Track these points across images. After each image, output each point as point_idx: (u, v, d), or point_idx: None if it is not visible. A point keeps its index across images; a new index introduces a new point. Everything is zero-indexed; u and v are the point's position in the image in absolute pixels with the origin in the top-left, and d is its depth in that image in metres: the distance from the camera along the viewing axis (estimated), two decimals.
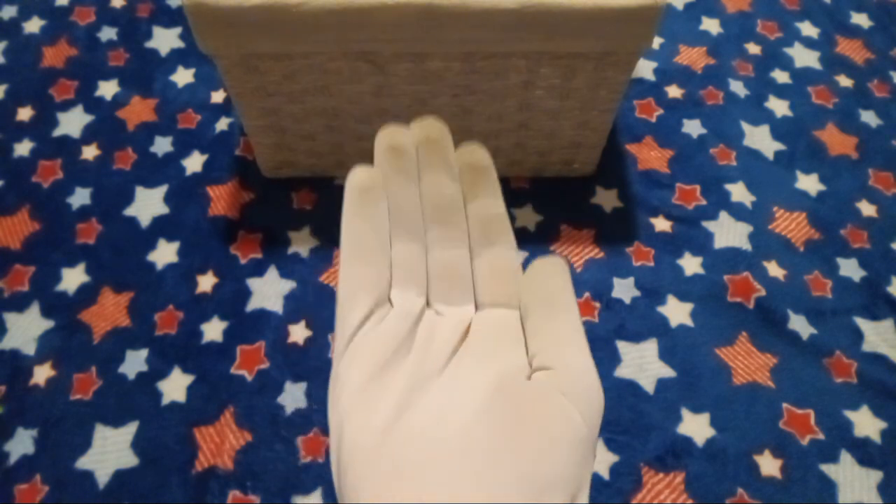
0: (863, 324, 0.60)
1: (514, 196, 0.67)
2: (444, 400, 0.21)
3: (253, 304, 0.60)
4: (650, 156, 0.70)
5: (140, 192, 0.67)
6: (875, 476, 0.53)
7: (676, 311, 0.60)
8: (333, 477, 0.21)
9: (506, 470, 0.20)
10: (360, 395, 0.21)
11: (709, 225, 0.65)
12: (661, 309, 0.60)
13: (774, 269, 0.63)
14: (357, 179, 0.24)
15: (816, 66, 0.78)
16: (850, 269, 0.63)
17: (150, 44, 0.78)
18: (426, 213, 0.24)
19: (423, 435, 0.20)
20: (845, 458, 0.54)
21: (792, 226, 0.66)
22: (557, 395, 0.22)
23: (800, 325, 0.60)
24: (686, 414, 0.55)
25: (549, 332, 0.22)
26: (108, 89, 0.74)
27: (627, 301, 0.61)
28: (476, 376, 0.22)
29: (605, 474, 0.53)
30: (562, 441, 0.20)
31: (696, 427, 0.55)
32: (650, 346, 0.58)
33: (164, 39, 0.78)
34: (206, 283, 0.61)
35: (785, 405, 0.56)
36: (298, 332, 0.58)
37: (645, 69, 0.76)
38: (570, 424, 0.21)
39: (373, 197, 0.24)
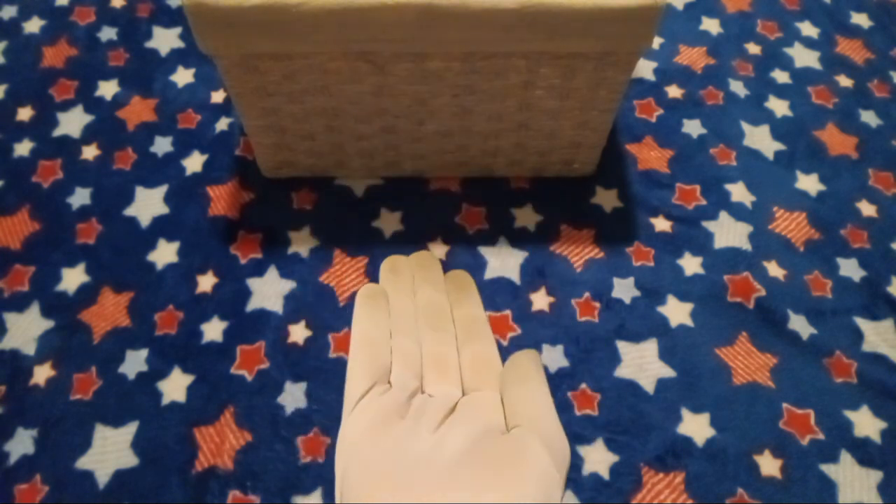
0: (863, 324, 0.60)
1: (514, 196, 0.67)
2: (434, 446, 0.24)
3: (253, 304, 0.60)
4: (650, 156, 0.70)
5: (140, 192, 0.67)
6: (875, 476, 0.53)
7: (676, 311, 0.60)
8: None
9: (485, 498, 0.22)
10: (364, 437, 0.24)
11: (709, 225, 0.65)
12: (661, 309, 0.61)
13: (774, 269, 0.63)
14: (365, 290, 0.32)
15: (816, 66, 0.78)
16: (850, 269, 0.63)
17: (150, 44, 0.78)
18: (420, 317, 0.31)
19: (416, 467, 0.23)
20: (845, 458, 0.54)
21: (792, 226, 0.66)
22: (530, 439, 0.25)
23: (800, 325, 0.60)
24: (686, 414, 0.56)
25: (522, 399, 0.27)
26: (108, 89, 0.74)
27: (627, 301, 0.61)
28: (461, 433, 0.25)
29: (605, 474, 0.53)
30: (532, 475, 0.23)
31: (696, 427, 0.55)
32: (650, 346, 0.59)
33: (164, 39, 0.78)
34: (206, 283, 0.61)
35: (785, 405, 0.56)
36: (298, 332, 0.58)
37: (645, 69, 0.76)
38: (539, 462, 0.24)
39: (377, 303, 0.32)
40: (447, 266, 0.62)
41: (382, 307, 0.30)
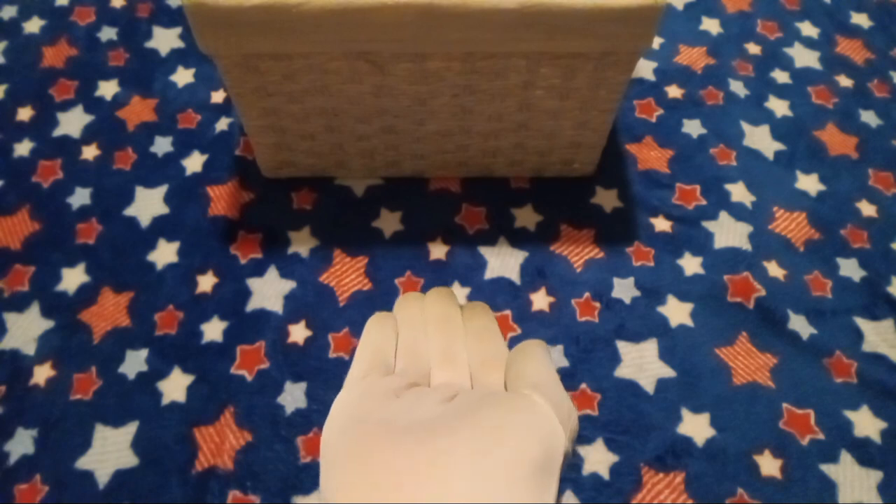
0: (863, 324, 0.60)
1: (514, 196, 0.67)
2: (427, 412, 0.23)
3: (253, 304, 0.60)
4: (650, 156, 0.70)
5: (140, 192, 0.67)
6: (875, 476, 0.53)
7: (676, 311, 0.60)
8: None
9: (478, 451, 0.21)
10: (350, 409, 0.23)
11: (709, 225, 0.65)
12: (661, 309, 0.60)
13: (774, 269, 0.63)
14: (376, 315, 0.29)
15: (816, 66, 0.78)
16: (850, 269, 0.63)
17: (150, 44, 0.78)
18: (430, 323, 0.28)
19: (404, 428, 0.21)
20: (845, 458, 0.54)
21: (792, 226, 0.66)
22: (531, 394, 0.23)
23: (800, 325, 0.60)
24: (686, 414, 0.55)
25: (523, 370, 0.25)
26: (108, 89, 0.74)
27: (627, 301, 0.61)
28: (458, 399, 0.24)
29: (605, 474, 0.53)
30: (531, 426, 0.22)
31: (696, 427, 0.55)
32: (650, 346, 0.59)
33: (164, 39, 0.78)
34: (206, 283, 0.61)
35: (785, 405, 0.56)
36: (298, 332, 0.58)
37: (645, 69, 0.76)
38: (540, 413, 0.22)
39: (387, 321, 0.29)
40: (448, 266, 0.62)
41: (392, 324, 0.29)
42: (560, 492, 0.21)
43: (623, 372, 0.57)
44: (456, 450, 0.20)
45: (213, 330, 0.59)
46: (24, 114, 0.72)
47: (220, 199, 0.66)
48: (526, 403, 0.22)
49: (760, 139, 0.71)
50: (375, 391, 0.24)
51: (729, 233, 0.65)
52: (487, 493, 0.19)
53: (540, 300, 0.61)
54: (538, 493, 0.20)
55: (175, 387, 0.56)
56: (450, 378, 0.25)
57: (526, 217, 0.65)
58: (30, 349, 0.58)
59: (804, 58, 0.78)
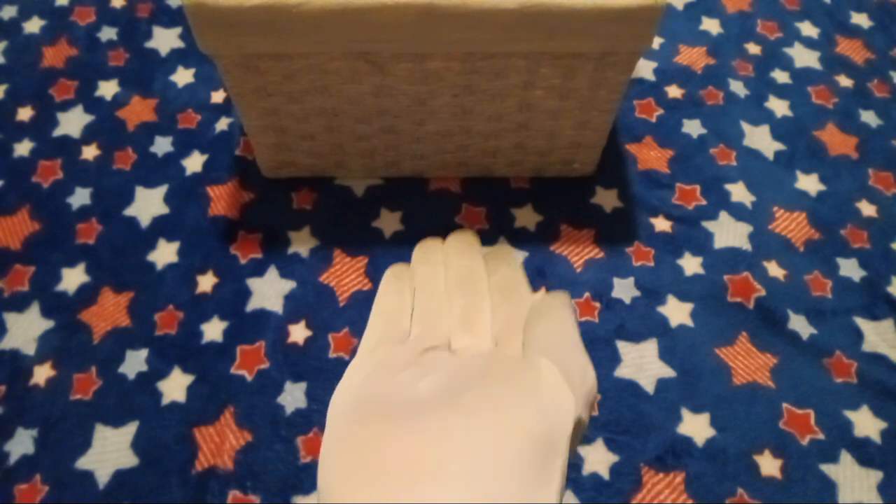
0: (863, 324, 0.60)
1: (514, 196, 0.67)
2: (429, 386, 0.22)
3: (253, 304, 0.60)
4: (650, 156, 0.70)
5: (140, 192, 0.67)
6: (875, 476, 0.53)
7: (676, 311, 0.60)
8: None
9: (476, 419, 0.20)
10: (355, 388, 0.22)
11: (709, 225, 0.65)
12: (661, 309, 0.60)
13: (774, 269, 0.63)
14: (392, 268, 0.27)
15: (816, 66, 0.78)
16: (850, 269, 0.63)
17: (150, 44, 0.78)
18: (450, 283, 0.26)
19: (402, 403, 0.20)
20: (845, 458, 0.54)
21: (792, 226, 0.66)
22: (537, 360, 0.22)
23: (800, 325, 0.60)
24: (686, 414, 0.55)
25: (538, 332, 0.23)
26: (108, 89, 0.74)
27: (627, 301, 0.61)
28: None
29: (605, 474, 0.53)
30: (535, 393, 0.20)
31: (696, 427, 0.55)
32: (650, 346, 0.59)
33: (164, 39, 0.78)
34: (206, 283, 0.61)
35: (785, 405, 0.56)
36: (298, 332, 0.58)
37: (645, 69, 0.76)
38: (547, 378, 0.21)
39: (403, 280, 0.27)
40: None
41: (409, 284, 0.27)
42: (576, 461, 0.20)
43: (623, 372, 0.57)
44: (451, 432, 0.20)
45: (213, 330, 0.59)
46: (24, 114, 0.72)
47: (220, 199, 0.66)
48: (530, 372, 0.21)
49: (760, 139, 0.71)
50: (385, 364, 0.22)
51: (729, 233, 0.65)
52: (483, 473, 0.18)
53: None
54: (539, 468, 0.19)
55: (175, 387, 0.56)
56: (470, 343, 0.23)
57: (526, 217, 0.65)
58: (30, 349, 0.58)
59: (804, 58, 0.78)
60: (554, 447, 0.20)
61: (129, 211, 0.65)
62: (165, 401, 0.55)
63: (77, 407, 0.55)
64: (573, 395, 0.21)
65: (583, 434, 0.22)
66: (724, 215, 0.66)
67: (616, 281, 0.62)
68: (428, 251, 0.27)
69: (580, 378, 0.22)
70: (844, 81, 0.76)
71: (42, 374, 0.57)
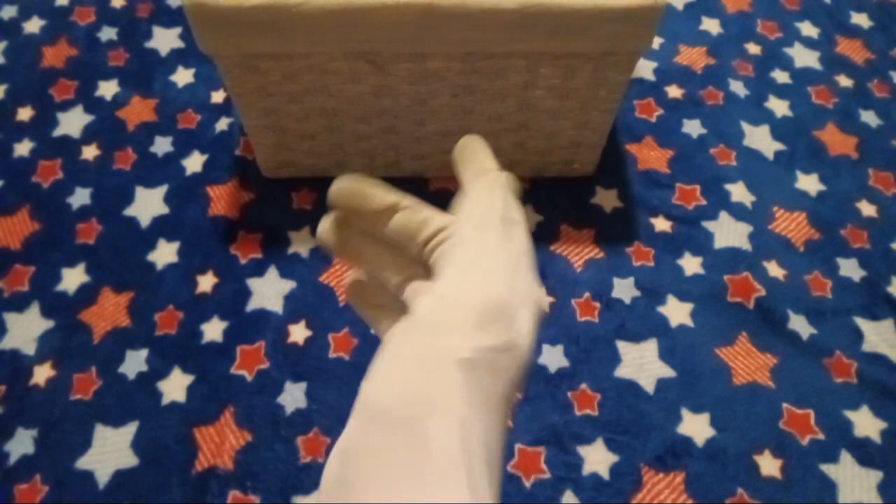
0: (863, 324, 0.60)
1: None
2: None
3: (253, 304, 0.60)
4: (650, 156, 0.70)
5: (140, 192, 0.67)
6: (875, 476, 0.53)
7: (676, 311, 0.60)
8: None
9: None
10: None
11: (709, 225, 0.65)
12: (661, 309, 0.60)
13: (774, 269, 0.63)
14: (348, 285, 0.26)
15: (816, 66, 0.78)
16: (850, 269, 0.63)
17: (150, 44, 0.78)
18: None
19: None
20: (845, 458, 0.54)
21: (792, 226, 0.66)
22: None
23: (800, 325, 0.60)
24: (686, 414, 0.55)
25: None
26: (108, 89, 0.74)
27: (627, 301, 0.61)
28: None
29: (605, 474, 0.53)
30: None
31: (696, 427, 0.55)
32: (650, 346, 0.59)
33: (164, 39, 0.78)
34: (206, 283, 0.61)
35: (785, 405, 0.56)
36: (298, 332, 0.58)
37: (645, 69, 0.76)
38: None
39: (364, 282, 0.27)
40: None
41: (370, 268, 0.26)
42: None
43: (623, 372, 0.57)
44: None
45: (213, 330, 0.59)
46: (24, 114, 0.72)
47: (220, 199, 0.66)
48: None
49: (760, 139, 0.71)
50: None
51: (729, 233, 0.65)
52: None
53: None
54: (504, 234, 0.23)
55: (175, 387, 0.56)
56: (440, 223, 0.23)
57: (526, 217, 0.65)
58: (30, 349, 0.58)
59: (804, 58, 0.78)
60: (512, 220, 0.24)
61: (129, 211, 0.65)
62: (165, 401, 0.55)
63: (77, 407, 0.55)
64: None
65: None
66: (724, 215, 0.66)
67: (616, 281, 0.62)
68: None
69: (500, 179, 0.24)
70: (844, 81, 0.76)
71: (42, 374, 0.57)
